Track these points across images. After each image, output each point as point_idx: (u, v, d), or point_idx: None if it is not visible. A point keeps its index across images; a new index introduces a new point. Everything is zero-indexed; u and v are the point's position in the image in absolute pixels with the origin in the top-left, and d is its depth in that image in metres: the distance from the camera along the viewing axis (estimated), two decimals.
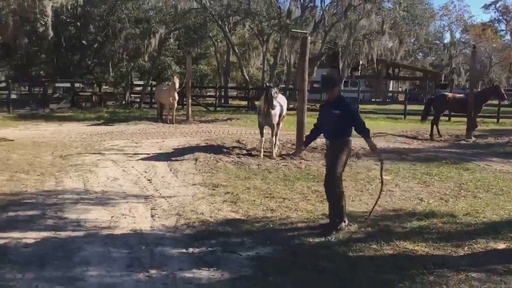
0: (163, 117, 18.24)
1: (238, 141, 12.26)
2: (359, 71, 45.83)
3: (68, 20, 22.25)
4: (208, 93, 30.85)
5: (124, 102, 24.86)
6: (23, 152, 10.07)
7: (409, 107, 22.67)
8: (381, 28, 22.55)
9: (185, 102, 19.94)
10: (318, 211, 5.97)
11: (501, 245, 4.74)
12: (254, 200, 6.44)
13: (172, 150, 10.91)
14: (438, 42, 50.90)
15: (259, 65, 32.31)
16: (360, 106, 22.47)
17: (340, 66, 26.68)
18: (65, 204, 6.15)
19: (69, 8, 11.54)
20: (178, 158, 9.79)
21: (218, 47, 33.13)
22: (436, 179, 7.97)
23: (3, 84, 22.86)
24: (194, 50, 28.03)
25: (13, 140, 11.80)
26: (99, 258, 4.38)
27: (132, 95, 25.80)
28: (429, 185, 7.58)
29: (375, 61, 29.66)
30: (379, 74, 43.32)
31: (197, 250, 4.65)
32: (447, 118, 20.04)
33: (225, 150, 10.79)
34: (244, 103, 26.02)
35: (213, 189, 7.05)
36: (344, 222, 5.29)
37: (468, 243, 4.81)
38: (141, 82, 26.28)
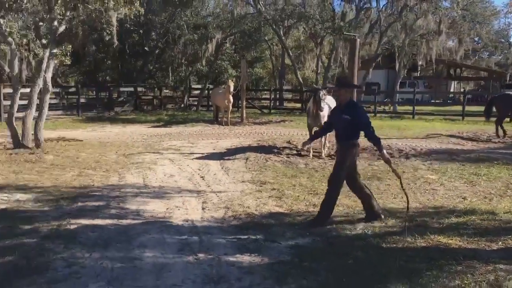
0: (219, 119, 18.98)
1: (288, 142, 12.66)
2: (419, 72, 44.74)
3: (131, 28, 23.60)
4: (264, 96, 31.49)
5: (182, 105, 25.96)
6: (91, 151, 11.01)
7: (469, 108, 22.06)
8: (438, 28, 22.11)
9: (240, 105, 20.55)
10: (358, 207, 6.24)
11: None
12: (298, 196, 6.82)
13: (225, 150, 11.48)
14: (503, 40, 48.64)
15: (314, 67, 32.57)
16: (417, 108, 22.24)
17: (396, 67, 26.31)
18: (127, 197, 6.81)
19: (132, 17, 12.36)
20: (230, 157, 10.33)
21: (273, 50, 33.66)
22: (484, 179, 7.97)
23: (73, 89, 24.55)
24: (249, 54, 28.69)
25: (82, 141, 12.86)
26: (155, 243, 4.93)
27: (190, 98, 26.89)
28: (475, 184, 7.62)
29: (433, 62, 29.03)
30: (439, 74, 42.06)
31: (241, 238, 5.09)
32: (508, 120, 19.33)
33: (275, 150, 11.22)
34: (298, 105, 26.32)
35: (261, 186, 7.49)
36: (381, 217, 5.54)
37: (503, 238, 4.93)
38: (199, 86, 27.30)
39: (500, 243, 4.83)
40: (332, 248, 4.76)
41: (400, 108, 25.07)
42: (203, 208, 6.31)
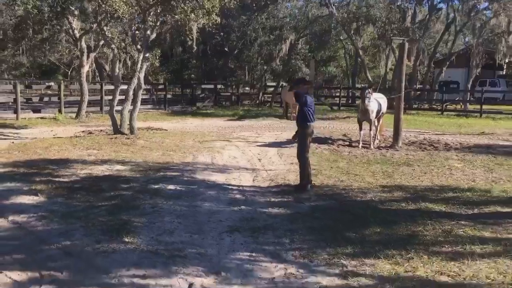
0: (288, 114, 20.69)
1: (344, 135, 14.11)
2: (504, 71, 43.19)
3: (213, 31, 26.04)
4: (337, 94, 32.71)
5: (258, 102, 28.01)
6: (173, 138, 13.25)
7: None
8: (507, 28, 22.06)
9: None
10: (378, 183, 7.69)
11: (507, 209, 6.03)
12: (331, 175, 8.39)
13: (285, 140, 13.17)
14: None
15: (390, 65, 33.16)
16: (493, 107, 22.35)
17: (471, 66, 26.35)
18: (197, 170, 8.79)
19: (210, 24, 14.45)
20: (287, 145, 12.02)
21: (347, 49, 34.67)
22: (504, 168, 8.97)
23: (161, 86, 27.51)
24: (319, 54, 30.07)
25: (167, 130, 15.21)
26: (212, 198, 6.80)
27: (265, 95, 28.88)
28: (493, 172, 8.68)
29: None
30: None
31: (276, 200, 6.80)
32: None
33: (329, 141, 12.75)
34: None
35: None
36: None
37: (481, 207, 6.19)
38: (274, 84, 29.19)
39: (476, 210, 6.11)
40: (340, 207, 6.33)
41: (474, 107, 25.13)
42: (253, 180, 8.10)
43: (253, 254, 4.65)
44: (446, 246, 4.78)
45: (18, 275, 4.05)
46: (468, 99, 26.41)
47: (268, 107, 26.52)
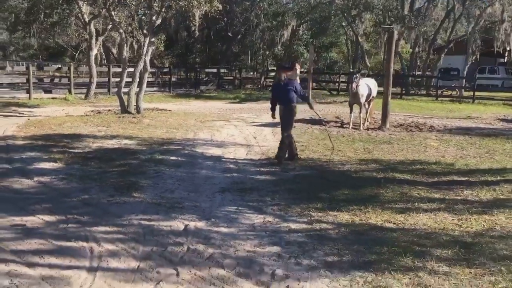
0: None
1: (337, 117, 15.04)
2: (505, 58, 43.72)
3: (217, 16, 26.82)
4: (337, 79, 33.48)
5: (260, 86, 28.88)
6: (176, 118, 14.22)
7: None
8: (500, 16, 22.72)
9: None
10: (357, 157, 8.64)
11: (462, 178, 6.98)
12: (317, 150, 9.35)
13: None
14: None
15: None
16: (487, 94, 23.14)
17: (467, 54, 27.04)
18: (197, 145, 9.76)
19: (213, 11, 15.29)
20: None
21: (349, 35, 35.32)
22: (475, 147, 9.90)
23: (166, 70, 28.38)
24: (320, 41, 30.76)
25: (171, 111, 16.17)
26: (208, 167, 7.78)
27: (267, 80, 29.71)
28: (463, 149, 9.61)
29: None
30: None
31: (265, 169, 7.77)
32: None
33: (322, 122, 13.64)
34: None
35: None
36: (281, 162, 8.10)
37: (440, 176, 7.14)
38: (275, 68, 29.98)
39: (436, 179, 7.06)
40: (319, 175, 7.29)
41: (470, 94, 25.86)
42: (246, 154, 9.07)
43: (239, 208, 5.63)
44: (399, 204, 5.75)
45: (48, 218, 5.06)
46: (463, 85, 27.13)
47: (270, 91, 27.35)
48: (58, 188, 6.32)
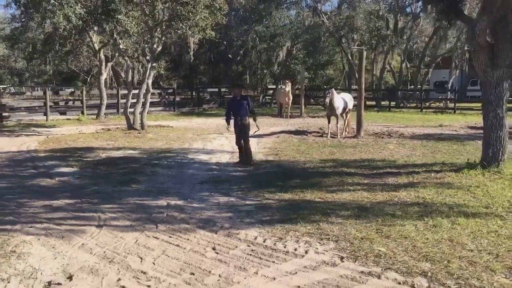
0: (282, 113, 23.45)
1: (320, 128, 16.80)
2: None
3: (217, 40, 29.04)
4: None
5: (259, 103, 30.80)
6: (176, 132, 16.12)
7: None
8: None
9: (300, 102, 24.84)
10: (320, 158, 10.40)
11: (395, 170, 8.70)
12: (288, 154, 11.14)
13: (269, 133, 15.92)
14: None
15: (387, 66, 35.68)
16: (460, 105, 24.80)
17: (451, 68, 28.81)
18: (189, 153, 11.61)
19: (207, 38, 17.29)
20: (268, 136, 14.78)
21: (345, 53, 37.23)
22: (426, 149, 11.60)
23: (171, 90, 30.49)
24: (317, 59, 32.72)
25: (172, 127, 18.10)
26: (195, 168, 9.61)
27: (266, 97, 31.67)
28: (414, 150, 11.32)
29: None
30: None
31: (240, 169, 9.56)
32: None
33: (305, 133, 15.46)
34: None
35: (271, 150, 11.89)
36: (248, 163, 9.81)
37: (380, 170, 8.87)
38: (273, 86, 31.96)
39: (375, 171, 8.80)
40: (282, 171, 9.07)
41: (459, 105, 27.43)
42: (229, 158, 10.89)
43: (211, 193, 7.43)
44: (333, 187, 7.50)
45: (68, 201, 6.91)
46: (448, 97, 28.79)
47: (268, 108, 29.29)
48: (75, 184, 8.19)
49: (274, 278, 4.13)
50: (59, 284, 4.01)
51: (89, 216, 6.08)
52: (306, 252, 4.73)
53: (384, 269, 4.26)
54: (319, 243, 4.99)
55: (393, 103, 27.84)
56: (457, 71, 28.97)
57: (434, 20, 29.32)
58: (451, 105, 27.16)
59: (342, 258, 4.54)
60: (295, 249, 4.80)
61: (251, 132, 10.28)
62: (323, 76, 36.19)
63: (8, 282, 4.04)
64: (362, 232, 5.23)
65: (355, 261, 4.48)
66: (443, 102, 28.63)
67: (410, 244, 4.85)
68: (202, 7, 15.00)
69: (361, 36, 25.16)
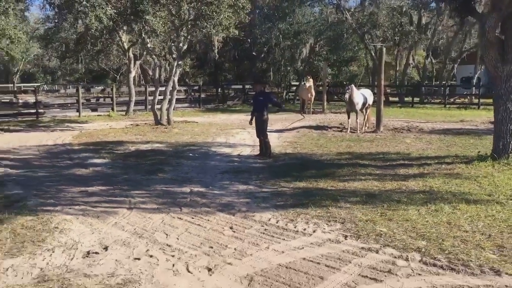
0: (304, 109, 23.87)
1: (340, 124, 17.17)
2: None
3: (241, 38, 29.64)
4: None
5: (282, 99, 31.25)
6: (201, 128, 16.78)
7: None
8: None
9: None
10: (337, 151, 10.84)
11: (407, 162, 9.08)
12: (307, 147, 11.61)
13: (291, 128, 16.41)
14: None
15: (413, 63, 35.63)
16: (484, 100, 24.72)
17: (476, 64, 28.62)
18: (212, 146, 12.22)
19: (230, 36, 17.90)
20: (289, 131, 15.28)
21: (369, 49, 37.31)
22: (442, 143, 11.88)
23: (196, 87, 31.24)
24: (340, 56, 32.94)
25: (197, 122, 18.77)
26: (217, 160, 10.20)
27: (289, 94, 32.10)
28: (430, 144, 11.62)
29: None
30: None
31: (260, 161, 10.10)
32: None
33: (326, 128, 15.88)
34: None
35: (291, 143, 12.38)
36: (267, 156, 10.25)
37: (393, 162, 9.26)
38: (297, 83, 32.35)
39: (388, 163, 9.20)
40: (299, 163, 9.56)
41: (482, 101, 27.26)
42: (250, 151, 11.43)
43: (232, 182, 7.99)
44: (346, 177, 7.96)
45: (102, 187, 7.59)
46: (473, 93, 28.60)
47: (292, 104, 29.71)
48: (107, 173, 8.89)
49: (282, 252, 4.65)
50: (96, 253, 4.64)
51: (120, 200, 6.73)
52: (314, 231, 5.23)
53: (383, 246, 4.73)
54: (326, 224, 5.48)
55: (417, 99, 27.88)
56: (483, 66, 28.66)
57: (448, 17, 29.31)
58: (476, 100, 27.04)
59: (346, 237, 5.03)
60: (304, 229, 5.31)
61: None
62: (346, 73, 36.34)
63: (53, 252, 4.69)
64: (367, 216, 5.69)
65: (358, 239, 4.96)
66: (468, 97, 28.47)
67: (410, 225, 5.29)
68: (226, 6, 15.56)
69: (384, 32, 25.27)
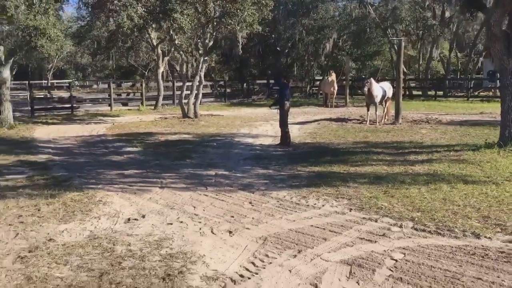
0: (327, 103, 24.43)
1: (361, 116, 17.71)
2: None
3: (265, 34, 30.34)
4: None
5: (306, 94, 31.85)
6: (226, 120, 17.60)
7: None
8: None
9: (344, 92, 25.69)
10: (354, 140, 11.46)
11: (419, 150, 9.65)
12: (326, 137, 12.27)
13: (312, 120, 17.06)
14: None
15: (437, 56, 35.62)
16: None
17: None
18: (236, 136, 13.01)
19: (254, 32, 18.63)
20: (310, 123, 15.94)
21: (393, 43, 37.41)
22: (457, 133, 12.34)
23: (222, 82, 32.13)
24: (364, 50, 33.26)
25: (223, 116, 19.61)
26: (240, 148, 10.97)
27: (313, 88, 32.64)
28: (445, 134, 12.11)
29: None
30: None
31: (280, 149, 10.82)
32: None
33: (346, 120, 16.48)
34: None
35: (310, 134, 13.06)
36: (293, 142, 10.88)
37: (405, 150, 9.84)
38: (320, 77, 32.85)
39: (400, 150, 9.79)
40: (316, 150, 10.24)
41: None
42: (272, 141, 12.17)
43: (253, 167, 8.74)
44: (359, 163, 8.61)
45: (136, 171, 8.46)
46: (497, 86, 28.48)
47: (315, 98, 30.27)
48: (140, 159, 9.78)
49: (294, 220, 5.38)
50: (136, 219, 5.49)
51: (153, 180, 7.58)
52: (323, 205, 5.94)
53: (382, 216, 5.41)
54: (335, 200, 6.18)
55: (440, 93, 28.04)
56: None
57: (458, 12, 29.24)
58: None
59: (350, 210, 5.73)
60: (315, 204, 6.03)
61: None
62: (370, 67, 36.58)
63: (99, 219, 5.55)
64: (372, 193, 6.37)
65: (360, 211, 5.66)
66: (492, 90, 28.43)
67: (409, 201, 5.95)
68: (250, 4, 16.30)
69: (406, 26, 25.54)
